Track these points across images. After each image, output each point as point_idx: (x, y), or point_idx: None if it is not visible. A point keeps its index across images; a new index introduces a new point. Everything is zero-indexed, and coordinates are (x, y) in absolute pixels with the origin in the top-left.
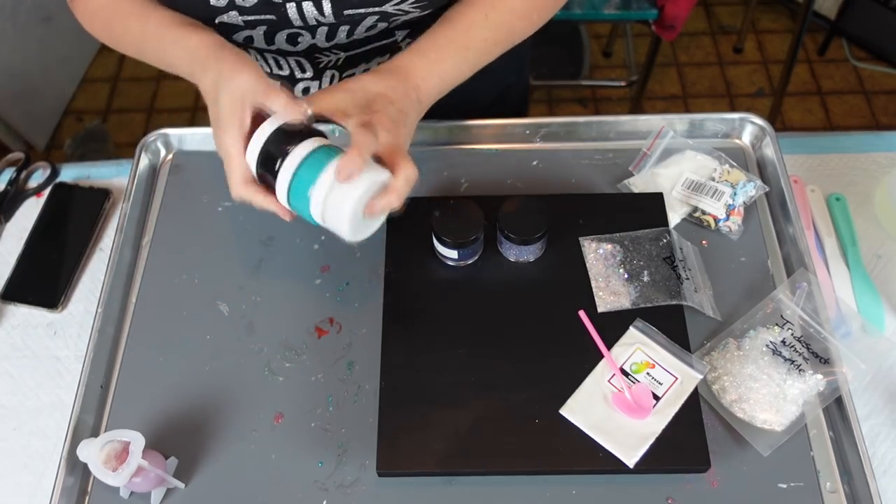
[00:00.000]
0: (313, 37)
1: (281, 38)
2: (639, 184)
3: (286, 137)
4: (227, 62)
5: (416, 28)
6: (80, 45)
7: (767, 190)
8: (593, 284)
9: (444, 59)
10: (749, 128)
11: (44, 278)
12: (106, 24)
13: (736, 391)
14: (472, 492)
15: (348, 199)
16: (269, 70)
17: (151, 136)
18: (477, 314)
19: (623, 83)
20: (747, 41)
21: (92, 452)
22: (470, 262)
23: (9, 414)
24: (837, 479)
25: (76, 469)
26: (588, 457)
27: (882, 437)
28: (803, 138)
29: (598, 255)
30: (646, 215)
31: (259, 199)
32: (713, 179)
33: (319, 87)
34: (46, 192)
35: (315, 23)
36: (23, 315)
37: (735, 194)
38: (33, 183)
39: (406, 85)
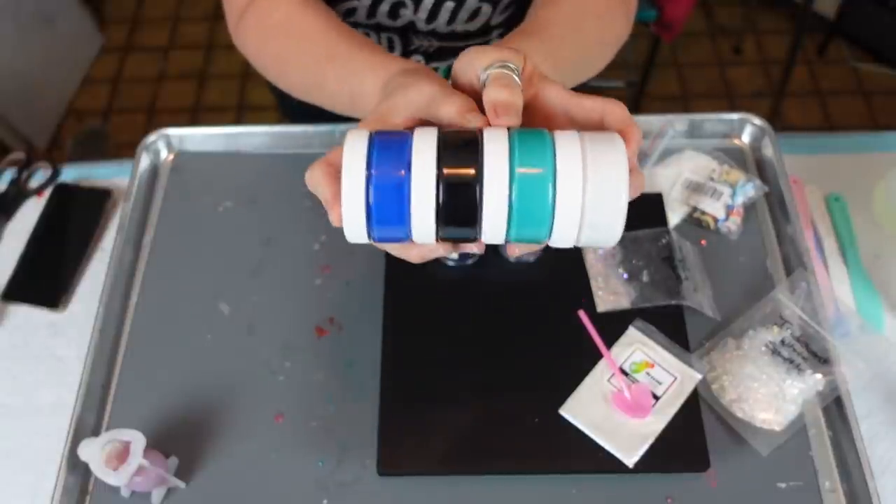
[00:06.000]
0: (416, 11)
1: (384, 9)
2: None
3: (456, 152)
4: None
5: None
6: (81, 45)
7: (767, 190)
8: (593, 284)
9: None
10: (748, 128)
11: (45, 278)
12: (284, 38)
13: (735, 391)
14: (472, 491)
15: (621, 187)
16: None
17: (152, 137)
18: (477, 314)
19: (622, 84)
20: (747, 41)
21: (93, 452)
22: (470, 262)
23: (10, 413)
24: (836, 478)
25: (77, 468)
26: (588, 457)
27: (881, 436)
28: (802, 138)
29: (598, 255)
30: (645, 215)
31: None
32: (712, 179)
33: None
34: (48, 192)
35: None
36: (24, 315)
37: (734, 194)
38: (34, 183)
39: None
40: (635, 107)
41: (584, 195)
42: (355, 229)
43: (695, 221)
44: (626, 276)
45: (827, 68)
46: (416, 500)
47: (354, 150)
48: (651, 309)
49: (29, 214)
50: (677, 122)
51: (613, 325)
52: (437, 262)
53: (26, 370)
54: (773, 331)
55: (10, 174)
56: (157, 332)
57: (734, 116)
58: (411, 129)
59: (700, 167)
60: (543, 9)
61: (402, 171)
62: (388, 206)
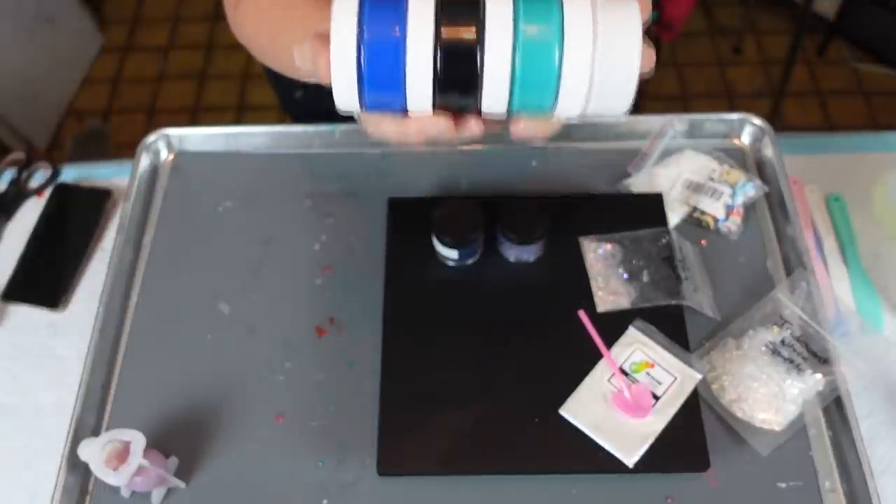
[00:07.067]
0: None
1: None
2: (638, 184)
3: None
4: None
5: None
6: (81, 45)
7: (767, 190)
8: (593, 284)
9: None
10: (748, 128)
11: (45, 278)
12: (280, 19)
13: (735, 391)
14: (472, 491)
15: (633, 48)
16: None
17: (152, 137)
18: (477, 314)
19: None
20: (747, 41)
21: (93, 452)
22: (470, 262)
23: (10, 413)
24: (836, 478)
25: (77, 468)
26: (588, 457)
27: (881, 436)
28: (802, 138)
29: (598, 255)
30: (645, 215)
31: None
32: (712, 179)
33: None
34: (48, 192)
35: None
36: (24, 315)
37: (734, 194)
38: (34, 183)
39: None
40: (635, 107)
41: (593, 56)
42: (345, 92)
43: (695, 221)
44: (626, 276)
45: (827, 68)
46: (416, 500)
47: (345, 8)
48: (651, 309)
49: (29, 214)
50: (677, 122)
51: (613, 325)
52: (437, 262)
53: (26, 370)
54: (773, 331)
55: (10, 174)
56: (157, 332)
57: (734, 116)
58: None
59: (700, 167)
60: None
61: (397, 30)
62: (381, 67)
